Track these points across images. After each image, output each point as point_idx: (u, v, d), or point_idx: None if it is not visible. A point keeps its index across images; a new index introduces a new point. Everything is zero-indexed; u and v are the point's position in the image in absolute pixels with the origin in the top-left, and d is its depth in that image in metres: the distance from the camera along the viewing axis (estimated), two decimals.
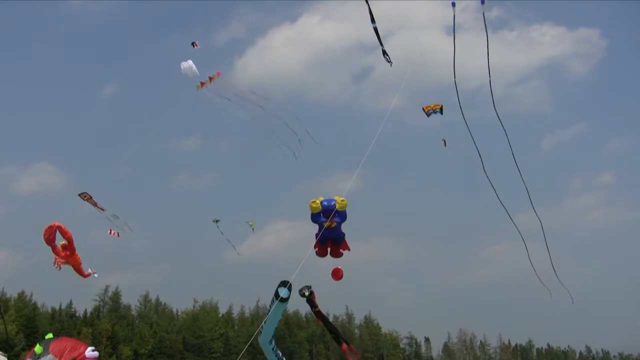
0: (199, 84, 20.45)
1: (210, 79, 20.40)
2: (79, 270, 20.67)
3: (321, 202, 14.88)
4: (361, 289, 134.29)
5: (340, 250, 15.53)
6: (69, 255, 19.90)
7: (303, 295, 15.09)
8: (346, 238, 15.59)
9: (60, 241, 19.71)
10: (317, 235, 15.14)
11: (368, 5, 15.01)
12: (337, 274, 15.81)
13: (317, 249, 15.42)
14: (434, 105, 17.87)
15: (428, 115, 17.87)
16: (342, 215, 15.03)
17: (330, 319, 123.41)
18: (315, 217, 15.04)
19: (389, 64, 15.97)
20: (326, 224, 14.83)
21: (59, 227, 19.27)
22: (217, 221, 26.34)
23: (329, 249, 15.53)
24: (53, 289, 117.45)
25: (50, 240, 19.40)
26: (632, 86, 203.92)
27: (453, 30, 15.89)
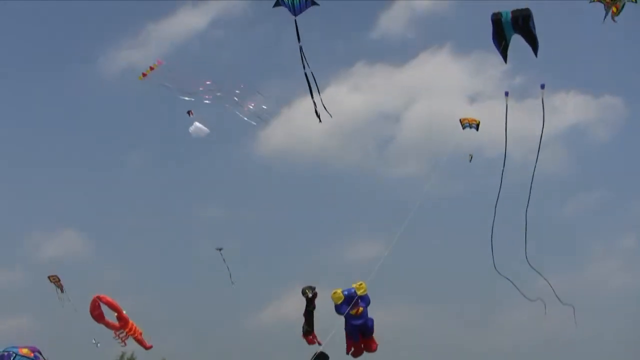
0: (141, 75, 19.74)
1: (151, 68, 19.66)
2: (140, 341, 18.68)
3: (342, 292, 15.03)
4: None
5: (373, 345, 15.52)
6: (123, 325, 17.91)
7: (306, 296, 15.24)
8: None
9: (114, 314, 17.81)
10: (345, 328, 15.18)
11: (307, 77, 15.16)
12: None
13: (352, 349, 15.41)
14: (472, 120, 17.26)
15: (463, 127, 17.20)
16: (365, 300, 15.18)
17: None
18: (339, 308, 15.10)
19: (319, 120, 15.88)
20: (352, 311, 14.97)
21: (99, 299, 17.49)
22: (220, 249, 25.59)
23: (362, 346, 15.46)
24: (69, 357, 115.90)
25: (99, 316, 17.68)
26: None
27: (505, 118, 15.69)
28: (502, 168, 16.20)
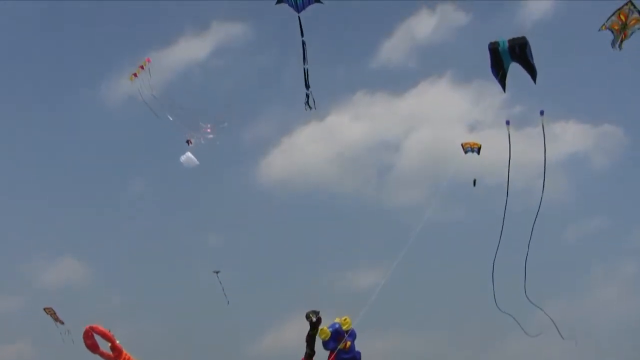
0: (132, 75, 20.14)
1: (141, 67, 20.10)
2: None
3: (328, 329, 15.15)
4: None
5: None
6: (117, 355, 17.72)
7: (310, 320, 15.12)
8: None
9: (108, 344, 17.65)
10: None
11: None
12: None
13: None
14: (473, 143, 17.54)
15: (465, 152, 17.44)
16: (352, 334, 15.37)
17: None
18: (326, 344, 15.17)
19: (309, 109, 16.18)
20: (340, 346, 14.97)
21: (92, 329, 17.42)
22: (217, 272, 25.58)
23: None
24: None
25: (92, 346, 17.58)
26: None
27: (509, 147, 15.98)
28: (501, 195, 16.26)
